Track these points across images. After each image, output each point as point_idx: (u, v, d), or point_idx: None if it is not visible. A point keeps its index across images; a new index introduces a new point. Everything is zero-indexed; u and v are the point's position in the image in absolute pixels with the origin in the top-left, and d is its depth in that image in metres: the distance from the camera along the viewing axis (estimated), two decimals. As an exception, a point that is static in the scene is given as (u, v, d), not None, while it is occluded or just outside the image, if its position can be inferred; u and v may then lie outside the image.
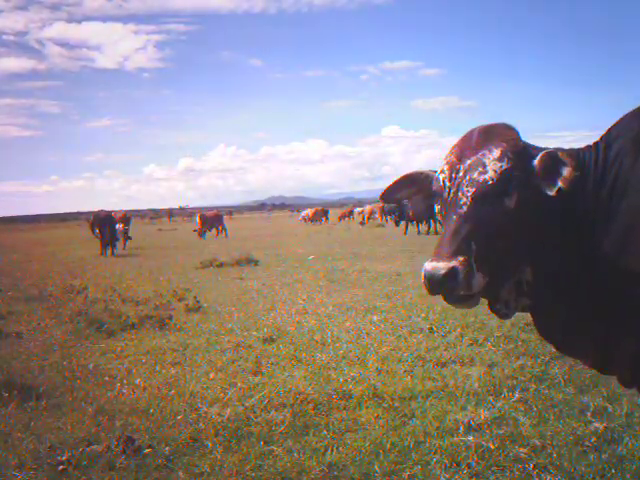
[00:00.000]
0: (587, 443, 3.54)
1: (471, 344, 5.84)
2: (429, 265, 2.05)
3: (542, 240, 2.24)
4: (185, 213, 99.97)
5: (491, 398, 4.32)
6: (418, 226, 26.28)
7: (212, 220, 31.91)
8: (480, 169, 2.16)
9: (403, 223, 29.04)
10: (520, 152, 2.18)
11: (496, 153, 2.16)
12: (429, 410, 4.16)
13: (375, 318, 7.37)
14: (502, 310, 2.32)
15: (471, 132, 2.33)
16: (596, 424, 3.78)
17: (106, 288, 11.22)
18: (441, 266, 2.01)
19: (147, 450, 3.70)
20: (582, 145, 2.39)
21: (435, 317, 7.15)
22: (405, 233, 25.88)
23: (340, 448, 3.66)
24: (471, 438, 3.64)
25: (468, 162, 2.20)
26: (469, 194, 2.15)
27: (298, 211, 60.42)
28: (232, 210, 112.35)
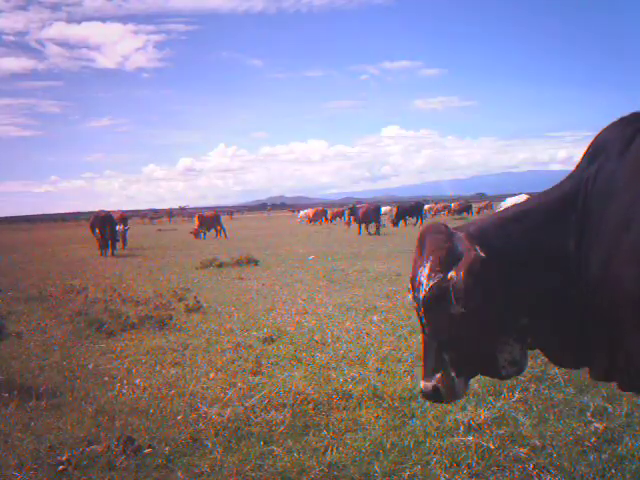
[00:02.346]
0: (587, 443, 3.53)
1: (471, 344, 5.84)
2: (421, 384, 2.40)
3: (526, 299, 2.28)
4: (185, 213, 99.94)
5: (491, 398, 4.32)
6: (367, 227, 28.29)
7: (210, 220, 31.78)
8: (421, 288, 2.27)
9: (402, 223, 30.64)
10: (446, 258, 2.24)
11: (427, 269, 2.26)
12: (429, 410, 4.16)
13: (375, 318, 7.36)
14: (511, 369, 2.36)
15: (417, 243, 2.41)
16: (596, 424, 3.78)
17: (106, 288, 11.22)
18: (428, 386, 2.35)
19: (147, 450, 3.70)
20: (582, 145, 2.40)
21: (435, 317, 7.14)
22: (359, 233, 27.50)
23: (340, 448, 3.66)
24: (471, 438, 3.64)
25: (416, 281, 2.32)
26: (421, 312, 2.31)
27: (298, 211, 60.39)
28: (232, 210, 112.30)
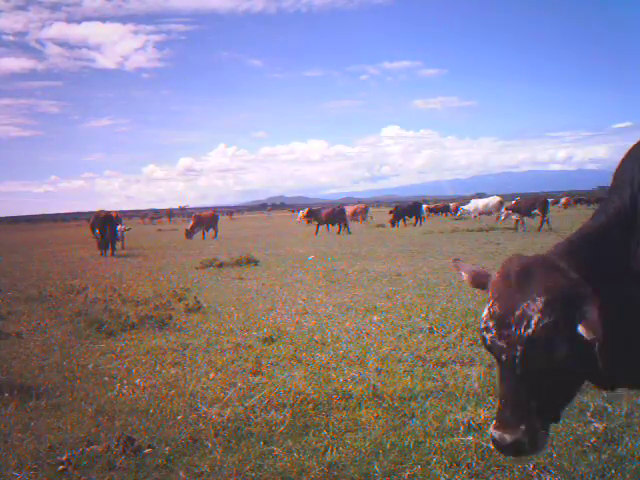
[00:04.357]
0: (587, 443, 3.54)
1: (471, 344, 5.84)
2: (496, 434, 2.11)
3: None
4: (185, 213, 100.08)
5: (491, 398, 4.31)
6: (327, 227, 30.82)
7: (208, 220, 31.52)
8: (530, 323, 2.04)
9: (400, 223, 34.68)
10: (565, 298, 2.04)
11: (540, 304, 2.03)
12: (429, 410, 4.16)
13: (375, 318, 7.36)
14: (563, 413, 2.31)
15: (508, 271, 2.19)
16: (596, 424, 3.78)
17: (106, 288, 11.22)
18: (507, 437, 2.08)
19: (147, 450, 3.70)
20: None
21: (435, 317, 7.15)
22: (316, 232, 29.77)
23: (340, 448, 3.65)
24: (471, 438, 3.64)
25: (513, 317, 2.08)
26: (519, 351, 2.05)
27: (298, 211, 60.51)
28: (232, 210, 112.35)
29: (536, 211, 23.87)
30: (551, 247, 2.45)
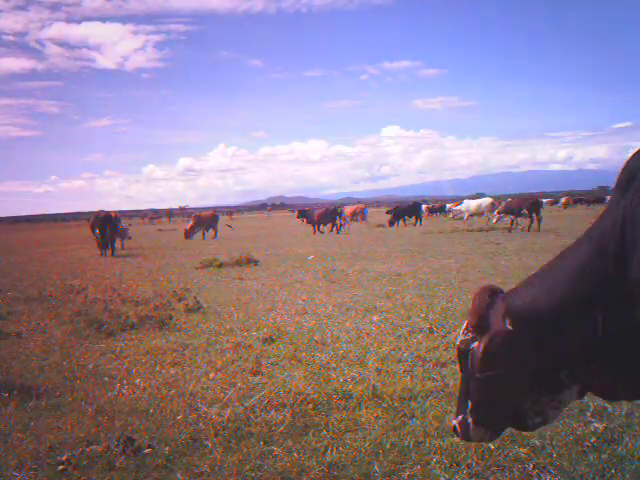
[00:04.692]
0: (587, 443, 3.54)
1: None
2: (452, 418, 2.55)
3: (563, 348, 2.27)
4: (185, 213, 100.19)
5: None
6: (319, 227, 31.49)
7: (208, 220, 31.43)
8: (458, 337, 2.46)
9: (401, 222, 35.25)
10: (477, 323, 2.39)
11: (465, 324, 2.44)
12: (429, 410, 4.16)
13: (375, 318, 7.36)
14: (537, 420, 2.39)
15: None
16: (596, 424, 3.78)
17: (106, 288, 11.22)
18: (452, 423, 2.50)
19: (147, 450, 3.70)
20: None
21: (435, 317, 7.15)
22: (314, 232, 30.66)
23: (340, 448, 3.65)
24: (471, 438, 3.64)
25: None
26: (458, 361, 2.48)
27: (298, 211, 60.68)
28: (232, 211, 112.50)
29: (524, 211, 23.80)
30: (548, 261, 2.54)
